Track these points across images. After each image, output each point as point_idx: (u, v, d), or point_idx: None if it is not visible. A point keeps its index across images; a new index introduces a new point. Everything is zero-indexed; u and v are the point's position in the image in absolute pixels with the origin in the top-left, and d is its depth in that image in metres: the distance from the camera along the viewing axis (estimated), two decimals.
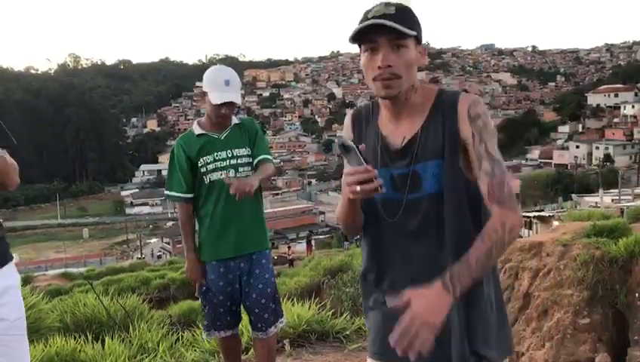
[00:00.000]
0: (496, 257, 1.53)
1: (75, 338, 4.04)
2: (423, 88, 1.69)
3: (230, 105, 2.89)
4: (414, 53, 1.61)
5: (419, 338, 1.35)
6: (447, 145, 1.62)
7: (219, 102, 2.85)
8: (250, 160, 2.97)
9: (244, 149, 2.96)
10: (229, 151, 2.93)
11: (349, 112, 1.88)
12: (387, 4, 1.59)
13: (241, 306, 3.03)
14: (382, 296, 1.73)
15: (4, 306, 2.08)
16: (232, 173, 2.90)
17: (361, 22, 1.60)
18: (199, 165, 2.93)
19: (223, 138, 2.95)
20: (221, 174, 2.90)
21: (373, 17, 1.56)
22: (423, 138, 1.64)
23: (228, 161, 2.92)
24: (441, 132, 1.63)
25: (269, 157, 3.05)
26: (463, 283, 1.44)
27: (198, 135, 2.97)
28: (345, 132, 1.85)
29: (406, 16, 1.59)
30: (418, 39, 1.63)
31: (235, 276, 2.93)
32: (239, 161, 2.94)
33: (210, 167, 2.91)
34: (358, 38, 1.61)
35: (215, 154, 2.92)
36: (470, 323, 1.62)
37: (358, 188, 1.46)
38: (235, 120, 3.03)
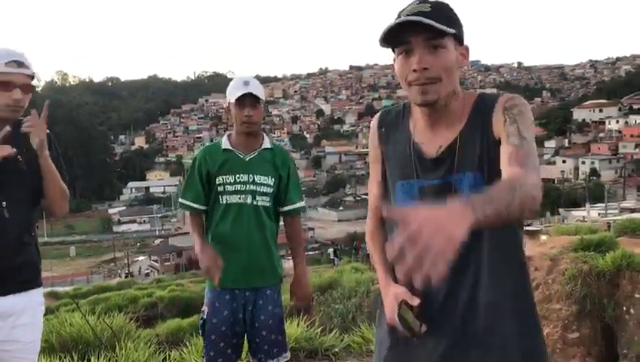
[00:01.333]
0: (519, 204, 1.23)
1: (60, 358, 3.99)
2: (465, 95, 1.56)
3: (253, 105, 2.71)
4: (454, 54, 1.46)
5: (431, 251, 0.95)
6: (486, 153, 1.48)
7: (238, 95, 2.67)
8: (270, 190, 2.78)
9: (266, 178, 2.76)
10: (251, 175, 2.74)
11: (377, 115, 1.73)
12: (422, 2, 1.44)
13: (245, 337, 2.83)
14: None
15: (18, 328, 2.07)
16: (249, 199, 2.73)
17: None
18: (217, 182, 2.75)
19: (247, 160, 2.77)
20: (239, 198, 2.73)
21: (406, 16, 1.42)
22: (461, 147, 1.51)
23: (248, 185, 2.73)
24: (479, 139, 1.50)
25: (302, 205, 2.97)
26: (485, 209, 1.13)
27: (224, 149, 2.80)
28: (371, 136, 1.71)
29: (443, 12, 1.44)
30: (458, 38, 1.48)
31: (239, 305, 2.75)
32: (258, 189, 2.74)
33: (229, 188, 2.74)
34: (389, 39, 1.46)
35: (237, 175, 2.74)
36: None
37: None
38: (266, 144, 2.85)
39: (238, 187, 2.73)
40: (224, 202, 2.75)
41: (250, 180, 2.74)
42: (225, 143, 2.82)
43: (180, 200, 2.93)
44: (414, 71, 1.43)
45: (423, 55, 1.42)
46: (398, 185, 1.60)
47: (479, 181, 1.48)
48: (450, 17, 1.45)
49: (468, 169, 1.49)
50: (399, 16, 1.44)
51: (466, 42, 1.52)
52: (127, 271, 48.42)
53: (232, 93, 2.73)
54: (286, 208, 2.87)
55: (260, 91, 2.75)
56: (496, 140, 1.47)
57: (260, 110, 2.77)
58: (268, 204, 2.78)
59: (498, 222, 1.20)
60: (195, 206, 2.82)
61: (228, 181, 2.74)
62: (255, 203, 2.74)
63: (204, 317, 2.77)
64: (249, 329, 2.78)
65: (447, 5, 1.47)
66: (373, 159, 1.71)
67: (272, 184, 2.78)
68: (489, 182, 1.43)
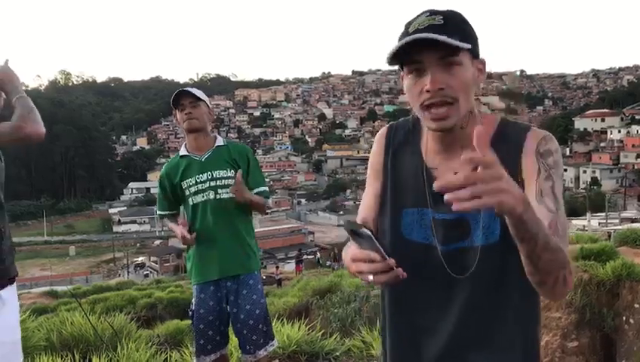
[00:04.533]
0: (555, 263, 1.13)
1: (61, 357, 3.99)
2: (482, 116, 1.39)
3: (193, 105, 2.93)
4: (471, 70, 1.29)
5: (487, 187, 0.96)
6: None
7: (174, 95, 2.94)
8: (232, 181, 2.93)
9: (224, 171, 2.95)
10: (209, 173, 2.94)
11: (382, 130, 1.55)
12: (433, 13, 1.28)
13: (229, 327, 3.01)
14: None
15: None
16: (211, 195, 2.91)
17: (401, 37, 1.28)
18: (183, 187, 2.98)
19: (203, 160, 2.98)
20: (203, 196, 2.93)
21: (417, 31, 1.25)
22: None
23: (208, 183, 2.93)
24: None
25: (264, 189, 3.06)
26: (532, 220, 1.05)
27: (182, 156, 3.03)
28: (375, 150, 1.54)
29: (457, 25, 1.28)
30: (474, 52, 1.30)
31: (222, 295, 2.92)
32: (219, 183, 2.94)
33: (192, 189, 2.96)
34: (398, 57, 1.28)
35: (196, 176, 2.95)
36: None
37: (371, 277, 1.16)
38: (219, 141, 3.04)
39: (200, 186, 2.94)
40: (191, 203, 2.97)
41: (210, 177, 2.94)
42: (182, 151, 3.06)
43: (157, 213, 3.22)
44: (427, 92, 1.27)
45: (437, 73, 1.26)
46: (407, 213, 1.44)
47: (494, 221, 1.32)
48: (465, 30, 1.29)
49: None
50: (407, 30, 1.28)
51: (482, 55, 1.34)
52: (129, 272, 48.59)
53: (172, 98, 2.98)
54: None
55: (197, 92, 2.98)
56: (520, 181, 1.29)
57: (201, 109, 2.98)
58: (234, 195, 2.92)
59: (528, 250, 1.11)
60: (168, 212, 3.10)
61: (190, 184, 2.96)
62: (218, 196, 2.93)
63: (192, 308, 2.97)
64: (234, 321, 2.93)
65: (460, 16, 1.30)
66: (374, 175, 1.54)
67: (232, 175, 2.94)
68: (503, 224, 1.21)
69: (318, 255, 36.86)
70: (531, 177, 1.29)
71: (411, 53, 1.25)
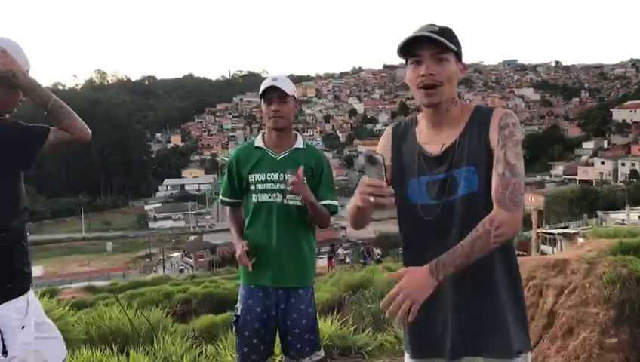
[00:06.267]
0: (480, 250, 1.66)
1: (100, 350, 4.09)
2: (462, 104, 1.88)
3: (281, 100, 2.73)
4: (455, 67, 1.80)
5: (402, 306, 1.60)
6: (482, 153, 1.78)
7: (262, 88, 2.72)
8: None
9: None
10: (281, 174, 2.74)
11: (390, 125, 2.05)
12: (431, 24, 1.79)
13: (277, 334, 2.86)
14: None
15: None
16: (279, 198, 2.75)
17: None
18: (250, 180, 2.80)
19: (279, 159, 2.78)
20: (269, 197, 2.74)
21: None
22: (460, 146, 1.80)
23: (278, 184, 2.74)
24: (476, 141, 1.79)
25: (333, 203, 2.85)
26: (447, 270, 1.66)
27: (257, 147, 2.85)
28: (383, 142, 2.00)
29: (447, 33, 1.78)
30: (458, 56, 1.82)
31: (272, 302, 2.77)
32: (289, 188, 2.71)
33: (260, 186, 2.77)
34: (404, 51, 1.80)
35: (268, 174, 2.76)
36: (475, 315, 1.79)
37: (372, 198, 1.65)
38: (299, 143, 2.85)
39: (269, 186, 2.75)
40: (255, 200, 2.79)
41: (281, 179, 2.75)
42: (258, 141, 2.87)
43: (219, 198, 3.02)
44: (422, 75, 1.76)
45: (430, 63, 1.76)
46: (410, 183, 1.89)
47: (471, 174, 1.77)
48: (453, 38, 1.79)
49: (465, 164, 1.78)
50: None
51: (463, 60, 1.86)
52: (184, 252, 51.09)
53: (261, 89, 2.77)
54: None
55: (287, 86, 2.74)
56: (491, 149, 1.77)
57: (289, 106, 2.77)
58: (300, 203, 2.76)
59: (463, 268, 1.68)
60: (229, 200, 2.92)
61: (259, 179, 2.76)
62: (285, 202, 2.75)
63: (238, 314, 2.81)
64: (281, 327, 2.80)
65: (451, 29, 1.81)
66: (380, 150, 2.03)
67: (304, 183, 2.73)
68: (480, 175, 1.76)
69: (339, 251, 36.79)
70: (495, 147, 1.76)
71: (413, 48, 1.77)
